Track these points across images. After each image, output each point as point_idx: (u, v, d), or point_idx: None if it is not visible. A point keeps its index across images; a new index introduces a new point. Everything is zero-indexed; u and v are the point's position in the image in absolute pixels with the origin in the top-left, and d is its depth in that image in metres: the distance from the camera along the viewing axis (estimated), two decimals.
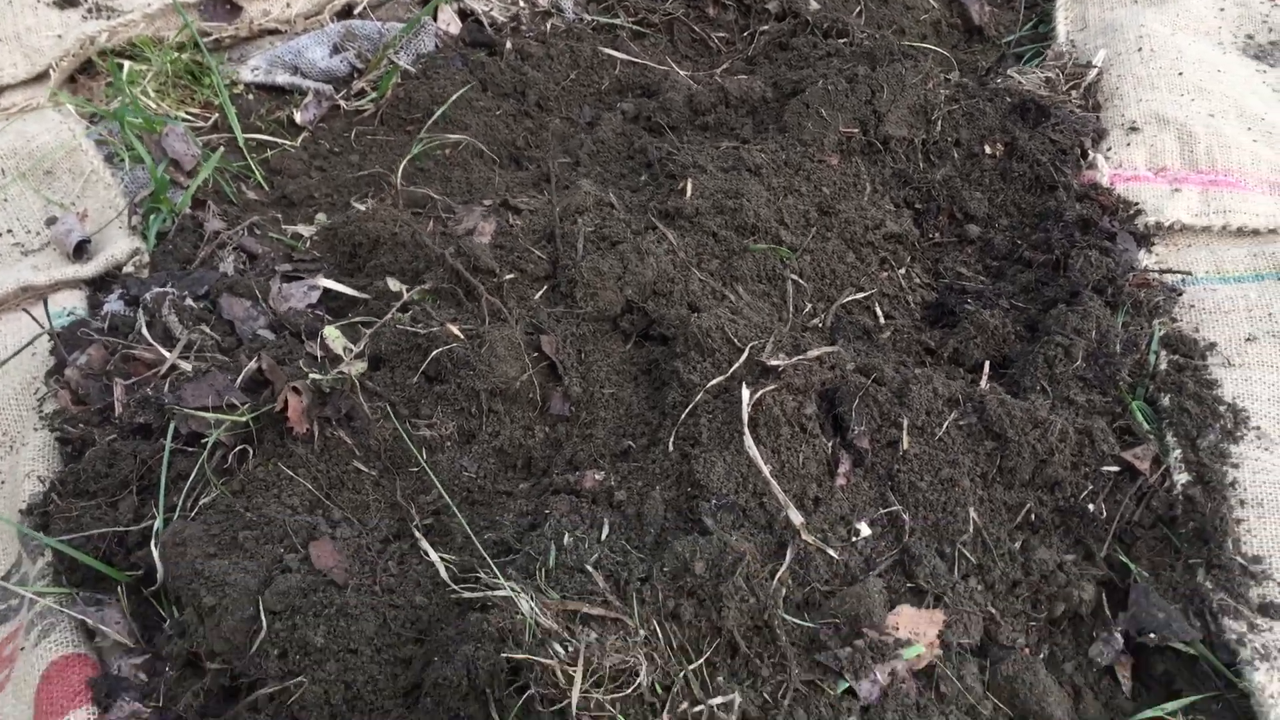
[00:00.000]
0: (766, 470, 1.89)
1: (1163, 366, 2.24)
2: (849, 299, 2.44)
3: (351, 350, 2.17)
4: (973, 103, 2.77)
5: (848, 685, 1.74)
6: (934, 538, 2.00)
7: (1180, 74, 2.90)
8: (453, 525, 1.99)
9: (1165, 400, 2.18)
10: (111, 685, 1.77)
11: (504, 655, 1.61)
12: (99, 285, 2.63)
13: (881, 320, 2.43)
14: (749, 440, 1.90)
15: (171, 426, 1.97)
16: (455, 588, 1.82)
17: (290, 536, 1.85)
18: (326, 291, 2.53)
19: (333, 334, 2.17)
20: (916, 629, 1.88)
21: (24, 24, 3.29)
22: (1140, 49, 3.00)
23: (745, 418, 1.92)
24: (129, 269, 2.64)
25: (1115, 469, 2.08)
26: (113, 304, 2.50)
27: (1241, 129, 2.75)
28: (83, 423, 2.10)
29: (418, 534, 1.94)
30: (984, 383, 2.18)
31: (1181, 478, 2.07)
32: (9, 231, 2.78)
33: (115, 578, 1.91)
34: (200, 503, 1.93)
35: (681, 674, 1.70)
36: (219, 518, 1.88)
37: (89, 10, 3.36)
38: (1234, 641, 1.89)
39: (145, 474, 1.97)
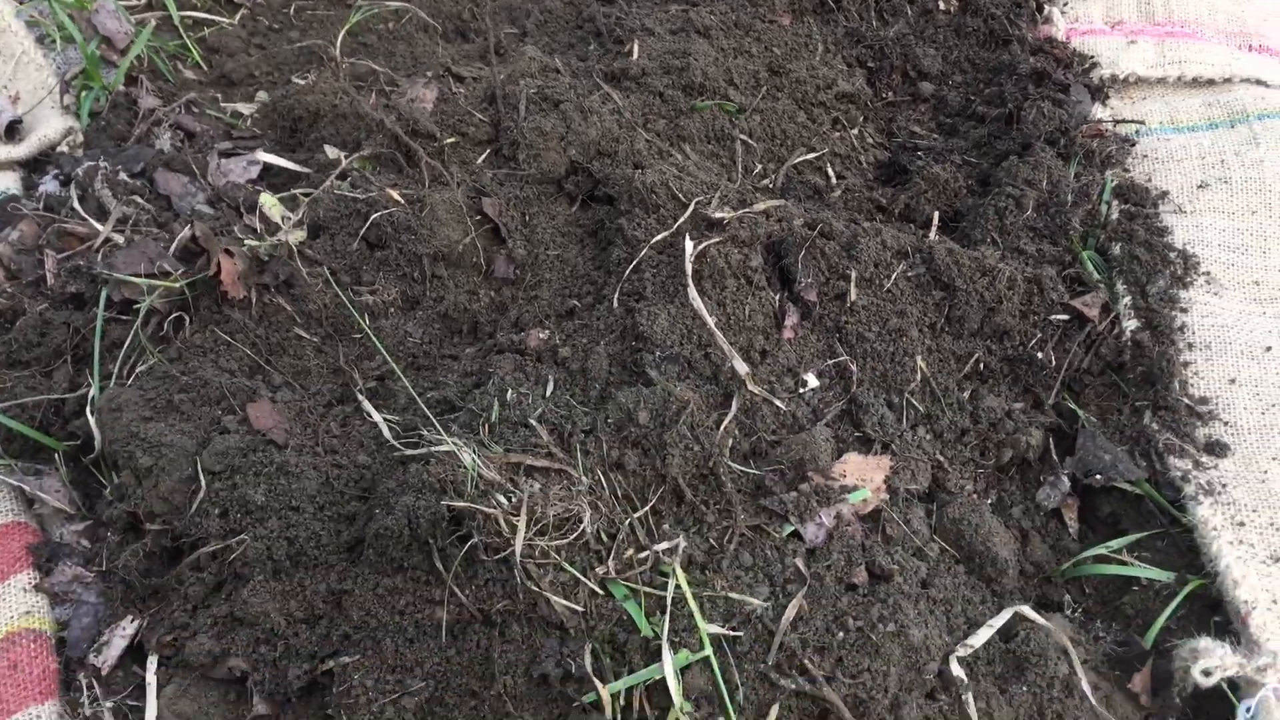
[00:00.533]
0: (711, 321, 1.87)
1: (1114, 216, 2.22)
2: (800, 159, 2.40)
3: (290, 218, 2.13)
4: None
5: (793, 529, 1.75)
6: (882, 388, 2.00)
7: None
8: (396, 389, 1.97)
9: (1116, 249, 2.16)
10: (53, 550, 1.76)
11: (445, 504, 1.60)
12: (34, 167, 2.55)
13: (833, 180, 2.40)
14: (693, 292, 1.88)
15: (103, 294, 1.92)
16: (398, 446, 1.80)
17: (228, 399, 1.82)
18: (267, 168, 2.47)
19: (269, 201, 2.12)
20: (863, 475, 1.88)
21: None
22: None
23: (689, 270, 1.89)
24: (63, 149, 2.57)
25: (1064, 317, 2.08)
26: (47, 184, 2.44)
27: None
28: (15, 297, 2.05)
29: (361, 397, 1.92)
30: (933, 234, 2.16)
31: (1130, 324, 2.06)
32: None
33: (52, 446, 1.88)
34: (136, 370, 1.90)
35: (626, 522, 1.70)
36: (155, 383, 1.85)
37: None
38: (1179, 479, 1.90)
39: (79, 343, 1.93)
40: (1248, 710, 1.59)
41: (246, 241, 2.01)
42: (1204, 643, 1.64)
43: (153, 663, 1.66)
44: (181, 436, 1.75)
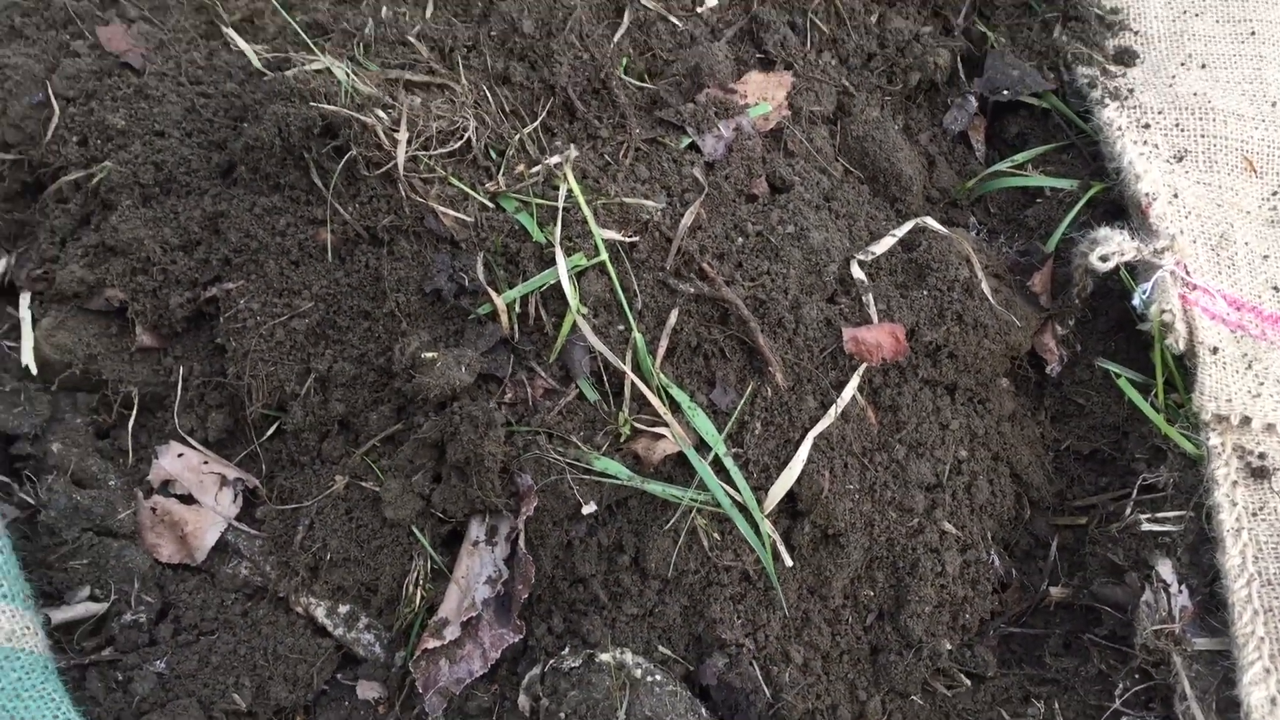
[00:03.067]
0: None
1: None
2: None
3: None
4: None
5: (691, 140, 1.68)
6: (785, 8, 1.90)
7: None
8: (265, 24, 1.83)
9: None
10: None
11: (318, 110, 1.51)
12: None
13: None
14: None
15: None
16: (267, 72, 1.68)
17: (76, 22, 1.68)
18: None
19: None
20: (764, 92, 1.81)
21: None
22: None
23: None
24: None
25: None
26: None
27: None
28: None
29: (226, 29, 1.78)
30: None
31: None
32: None
33: None
34: None
35: (516, 137, 1.63)
36: None
37: None
38: (1086, 86, 1.86)
39: None
40: (1144, 292, 1.60)
41: None
42: (1103, 232, 1.64)
43: (25, 298, 1.59)
44: (27, 60, 1.61)
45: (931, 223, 1.70)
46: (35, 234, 1.61)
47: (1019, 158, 1.89)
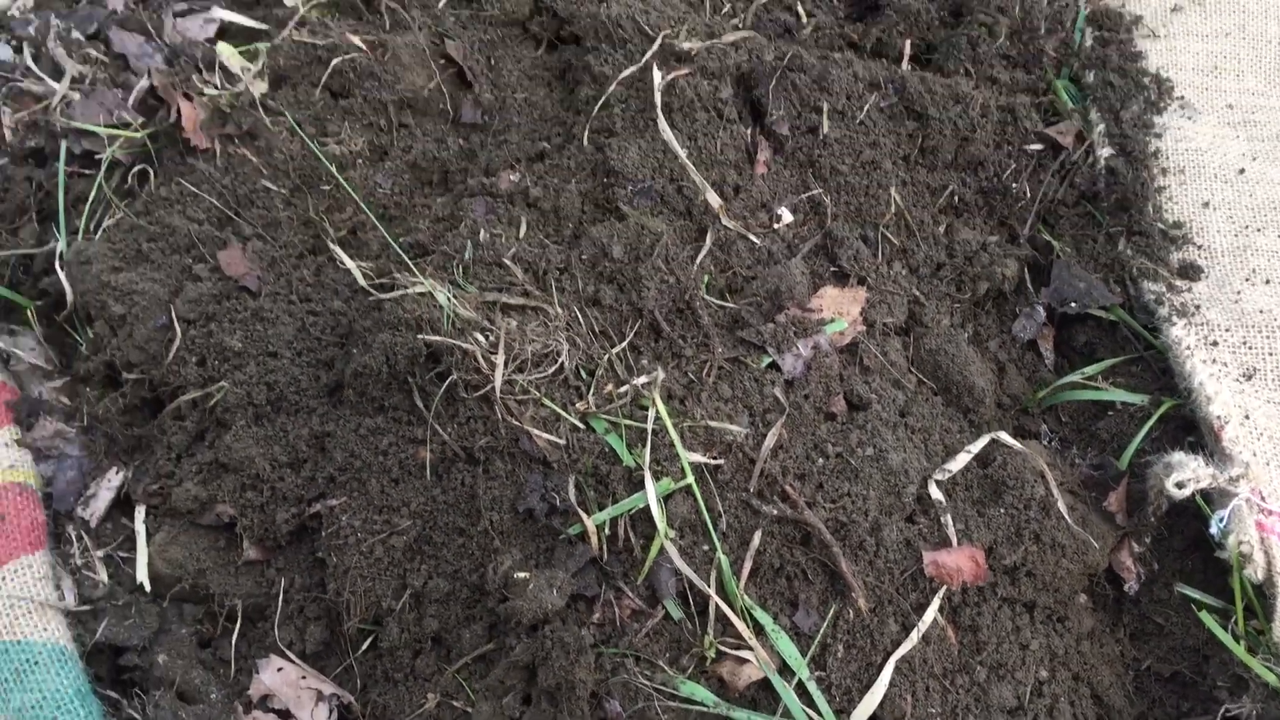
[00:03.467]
0: (683, 153, 1.85)
1: (1088, 43, 2.19)
2: None
3: (250, 69, 2.07)
4: None
5: (771, 360, 1.76)
6: (857, 222, 1.99)
7: None
8: (368, 239, 1.95)
9: (1090, 76, 2.14)
10: (32, 406, 1.75)
11: (423, 340, 1.60)
12: None
13: (803, 17, 2.34)
14: (663, 123, 1.85)
15: (64, 147, 1.89)
16: (372, 291, 1.79)
17: (198, 246, 1.80)
18: (225, 27, 2.40)
19: (228, 51, 2.07)
20: (840, 308, 1.89)
21: None
22: None
23: (658, 101, 1.86)
24: (13, 13, 2.48)
25: (1038, 146, 2.06)
26: None
27: None
28: None
29: (333, 245, 1.90)
30: (905, 65, 2.13)
31: (1105, 151, 2.05)
32: None
33: (24, 304, 1.86)
34: (103, 225, 1.87)
35: (605, 357, 1.71)
36: (123, 235, 1.83)
37: None
38: (1153, 302, 1.91)
39: (44, 200, 1.91)
40: (1220, 520, 1.63)
41: (207, 91, 1.96)
42: (1177, 457, 1.67)
43: (140, 512, 1.68)
44: (153, 285, 1.73)
45: (1006, 438, 1.75)
46: (153, 449, 1.71)
47: (1089, 370, 1.93)
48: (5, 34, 2.41)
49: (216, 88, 2.07)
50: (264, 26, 2.34)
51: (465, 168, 2.07)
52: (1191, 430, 1.80)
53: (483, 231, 1.80)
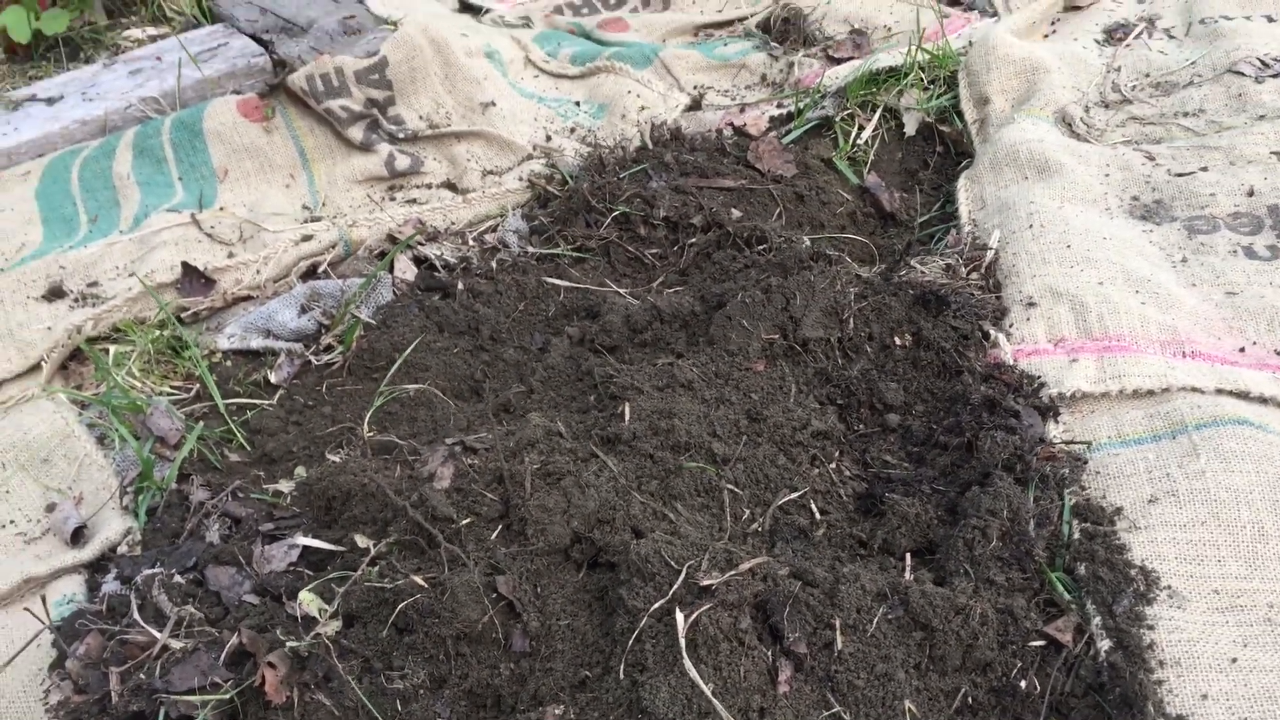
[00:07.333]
0: (708, 690, 2.05)
1: (1076, 536, 2.41)
2: (784, 500, 2.63)
3: (326, 611, 2.36)
4: (879, 298, 3.02)
5: None
6: None
7: (1068, 246, 3.15)
8: None
9: (1081, 569, 2.34)
10: None
11: None
12: (96, 568, 2.82)
13: (817, 517, 2.61)
14: (688, 663, 2.07)
15: (162, 712, 2.14)
16: None
17: None
18: (307, 548, 2.73)
19: (308, 598, 2.36)
20: None
21: (15, 320, 3.58)
22: (1031, 225, 3.27)
23: (682, 642, 2.08)
24: (123, 549, 2.84)
25: (1041, 643, 2.23)
26: (109, 585, 2.70)
27: (1130, 293, 2.98)
28: (84, 713, 2.27)
29: None
30: (907, 574, 2.35)
31: (1104, 644, 2.21)
32: (11, 522, 2.99)
33: None
34: None
35: None
36: None
37: (75, 300, 3.66)
38: None
39: None
40: None
41: (288, 644, 2.23)
42: None
43: None
44: None
45: None
46: None
47: None
48: (115, 569, 2.76)
49: (297, 625, 2.34)
50: (340, 549, 2.65)
51: (516, 692, 2.28)
52: None
53: None
